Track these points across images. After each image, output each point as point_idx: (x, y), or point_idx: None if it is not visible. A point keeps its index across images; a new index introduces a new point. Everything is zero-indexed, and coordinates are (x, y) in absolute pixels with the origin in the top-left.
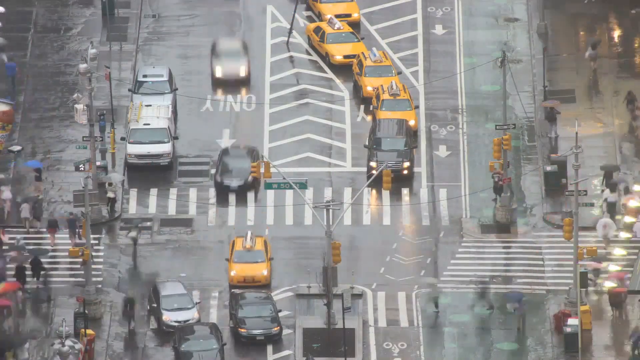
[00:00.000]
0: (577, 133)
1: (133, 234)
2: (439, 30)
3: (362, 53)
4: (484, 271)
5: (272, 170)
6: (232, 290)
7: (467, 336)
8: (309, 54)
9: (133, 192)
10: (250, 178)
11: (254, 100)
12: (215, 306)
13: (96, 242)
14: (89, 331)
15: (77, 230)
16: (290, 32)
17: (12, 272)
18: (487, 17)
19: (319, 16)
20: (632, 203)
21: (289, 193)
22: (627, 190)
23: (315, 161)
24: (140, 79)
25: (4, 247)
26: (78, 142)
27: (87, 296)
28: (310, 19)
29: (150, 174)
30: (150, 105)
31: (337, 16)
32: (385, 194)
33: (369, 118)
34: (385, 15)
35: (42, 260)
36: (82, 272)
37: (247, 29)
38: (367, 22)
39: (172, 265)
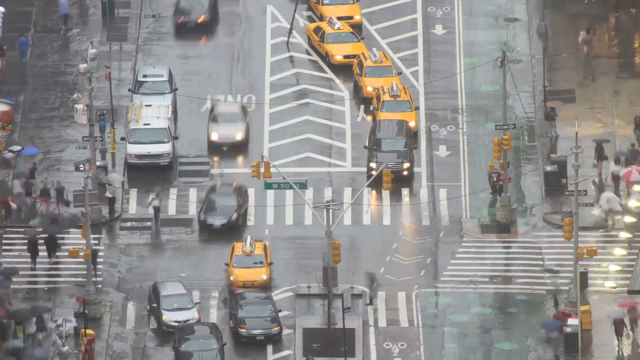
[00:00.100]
0: (577, 133)
1: (155, 202)
2: (439, 30)
3: (363, 53)
4: (484, 271)
5: (272, 170)
6: (231, 289)
7: (467, 336)
8: (309, 54)
9: (133, 192)
10: (234, 216)
11: (254, 100)
12: (215, 306)
13: (96, 242)
14: (89, 331)
15: (65, 198)
16: (290, 32)
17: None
18: (487, 17)
19: (321, 19)
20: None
21: (289, 193)
22: (628, 162)
23: (315, 161)
24: (140, 79)
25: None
26: (78, 142)
27: (87, 296)
28: (310, 19)
29: (150, 174)
30: (150, 105)
31: (339, 19)
32: (385, 194)
33: (369, 118)
34: (385, 15)
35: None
36: (84, 271)
37: (247, 29)
38: (367, 22)
39: (172, 265)
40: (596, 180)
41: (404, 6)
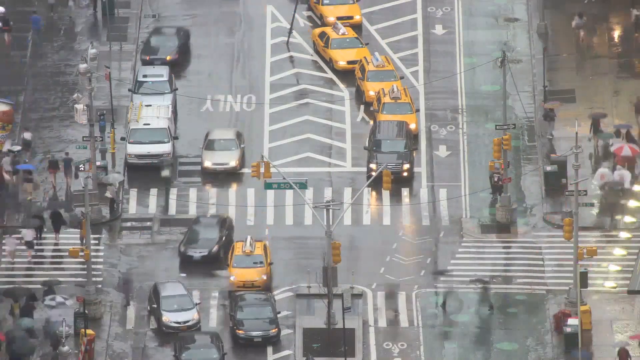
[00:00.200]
0: (577, 133)
1: (166, 172)
2: (439, 30)
3: (365, 58)
4: (484, 271)
5: (272, 170)
6: (231, 291)
7: (467, 336)
8: (309, 54)
9: (133, 192)
10: (215, 249)
11: (254, 100)
12: (215, 306)
13: (96, 242)
14: (89, 331)
15: (72, 170)
16: (290, 32)
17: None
18: (487, 17)
19: (321, 19)
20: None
21: (289, 193)
22: (630, 136)
23: (315, 161)
24: (140, 79)
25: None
26: (78, 142)
27: (87, 296)
28: (310, 19)
29: (150, 173)
30: (150, 105)
31: (339, 19)
32: (385, 194)
33: (370, 122)
34: (385, 15)
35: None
36: (85, 271)
37: (247, 29)
38: (367, 22)
39: (172, 265)
40: (592, 153)
41: (404, 6)
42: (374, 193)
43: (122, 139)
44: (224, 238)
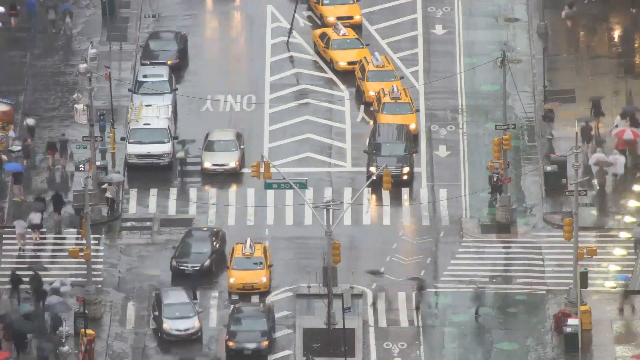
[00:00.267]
0: (577, 133)
1: (181, 154)
2: (439, 30)
3: (365, 58)
4: (484, 271)
5: (272, 170)
6: (232, 304)
7: (467, 336)
8: (309, 54)
9: (133, 192)
10: (207, 263)
11: (254, 100)
12: (215, 306)
13: (96, 242)
14: (89, 331)
15: (68, 151)
16: (290, 32)
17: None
18: (487, 17)
19: (321, 19)
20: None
21: (289, 193)
22: (634, 120)
23: (315, 161)
24: (140, 79)
25: None
26: (78, 142)
27: (87, 296)
28: (310, 19)
29: (150, 173)
30: (150, 105)
31: (339, 19)
32: (385, 193)
33: (370, 122)
34: (385, 15)
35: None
36: (85, 271)
37: (247, 29)
38: (367, 22)
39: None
40: (592, 134)
41: (404, 6)
42: (374, 197)
43: (122, 139)
44: (217, 251)
